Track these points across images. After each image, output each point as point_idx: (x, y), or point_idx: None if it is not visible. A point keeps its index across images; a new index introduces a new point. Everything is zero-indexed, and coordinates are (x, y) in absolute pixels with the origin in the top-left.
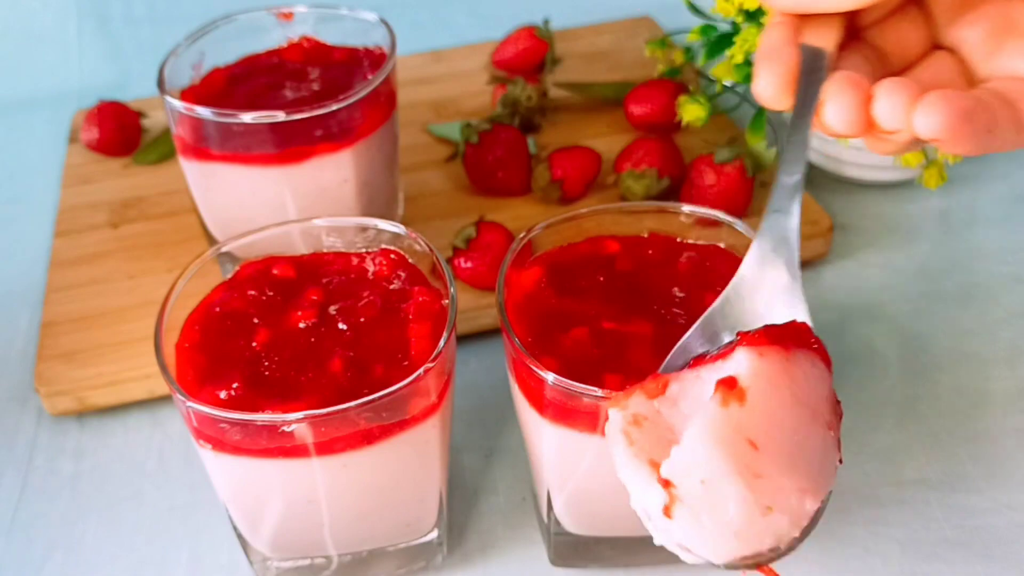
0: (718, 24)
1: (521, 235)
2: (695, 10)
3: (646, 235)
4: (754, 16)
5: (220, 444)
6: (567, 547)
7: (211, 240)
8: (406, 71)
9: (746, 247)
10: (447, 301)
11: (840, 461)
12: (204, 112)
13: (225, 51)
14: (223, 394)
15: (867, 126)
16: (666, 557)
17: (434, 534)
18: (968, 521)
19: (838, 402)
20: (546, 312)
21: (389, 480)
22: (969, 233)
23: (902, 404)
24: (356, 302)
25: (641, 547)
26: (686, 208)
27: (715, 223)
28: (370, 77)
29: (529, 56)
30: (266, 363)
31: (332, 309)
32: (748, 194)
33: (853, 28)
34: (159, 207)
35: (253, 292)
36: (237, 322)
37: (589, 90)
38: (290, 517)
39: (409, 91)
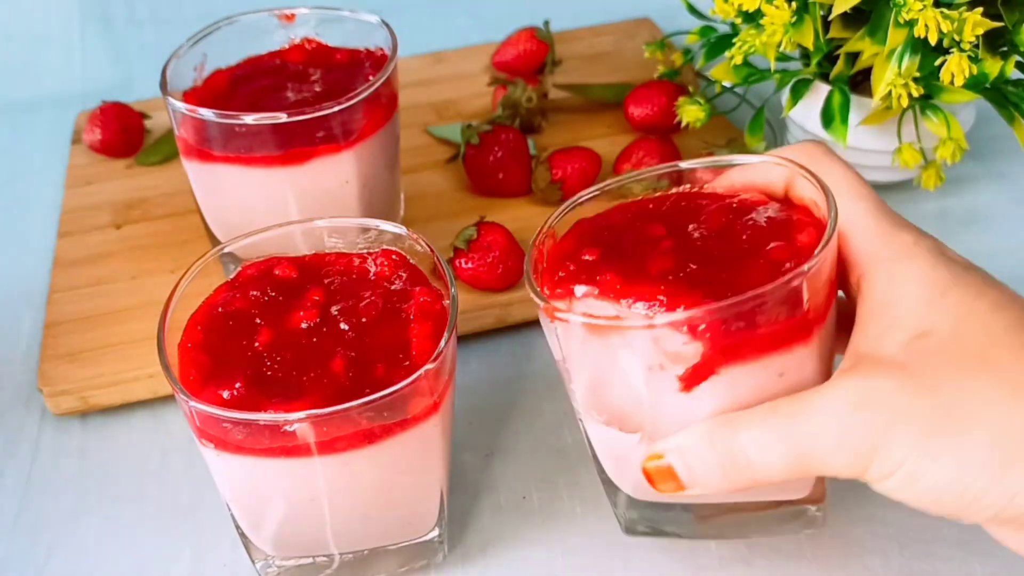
0: (717, 26)
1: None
2: (694, 12)
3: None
4: (753, 17)
5: (222, 443)
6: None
7: (214, 241)
8: (407, 73)
9: None
10: (448, 301)
11: None
12: (206, 113)
13: (227, 53)
14: (225, 394)
15: None
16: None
17: (435, 532)
18: None
19: None
20: None
21: (390, 479)
22: (968, 234)
23: None
24: (358, 302)
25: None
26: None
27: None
28: (371, 79)
29: (529, 58)
30: (268, 363)
31: (334, 309)
32: None
33: None
34: (162, 208)
35: (255, 292)
36: (239, 322)
37: (589, 91)
38: (292, 516)
39: (410, 93)
